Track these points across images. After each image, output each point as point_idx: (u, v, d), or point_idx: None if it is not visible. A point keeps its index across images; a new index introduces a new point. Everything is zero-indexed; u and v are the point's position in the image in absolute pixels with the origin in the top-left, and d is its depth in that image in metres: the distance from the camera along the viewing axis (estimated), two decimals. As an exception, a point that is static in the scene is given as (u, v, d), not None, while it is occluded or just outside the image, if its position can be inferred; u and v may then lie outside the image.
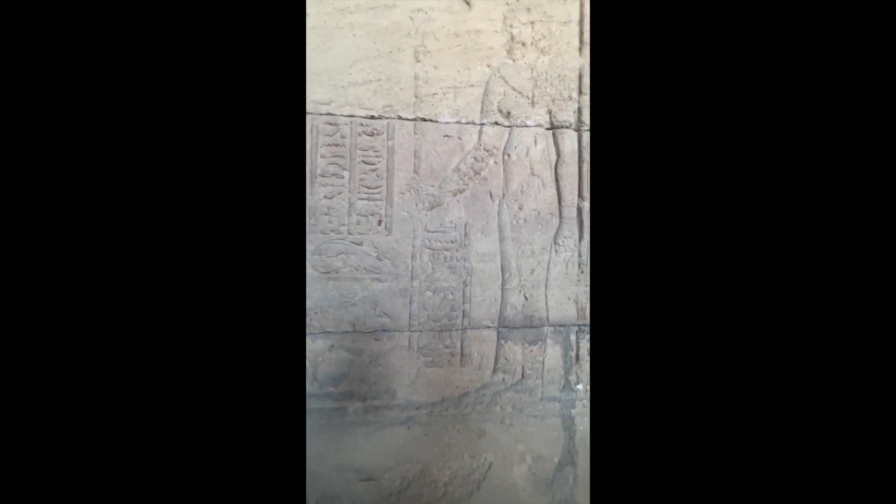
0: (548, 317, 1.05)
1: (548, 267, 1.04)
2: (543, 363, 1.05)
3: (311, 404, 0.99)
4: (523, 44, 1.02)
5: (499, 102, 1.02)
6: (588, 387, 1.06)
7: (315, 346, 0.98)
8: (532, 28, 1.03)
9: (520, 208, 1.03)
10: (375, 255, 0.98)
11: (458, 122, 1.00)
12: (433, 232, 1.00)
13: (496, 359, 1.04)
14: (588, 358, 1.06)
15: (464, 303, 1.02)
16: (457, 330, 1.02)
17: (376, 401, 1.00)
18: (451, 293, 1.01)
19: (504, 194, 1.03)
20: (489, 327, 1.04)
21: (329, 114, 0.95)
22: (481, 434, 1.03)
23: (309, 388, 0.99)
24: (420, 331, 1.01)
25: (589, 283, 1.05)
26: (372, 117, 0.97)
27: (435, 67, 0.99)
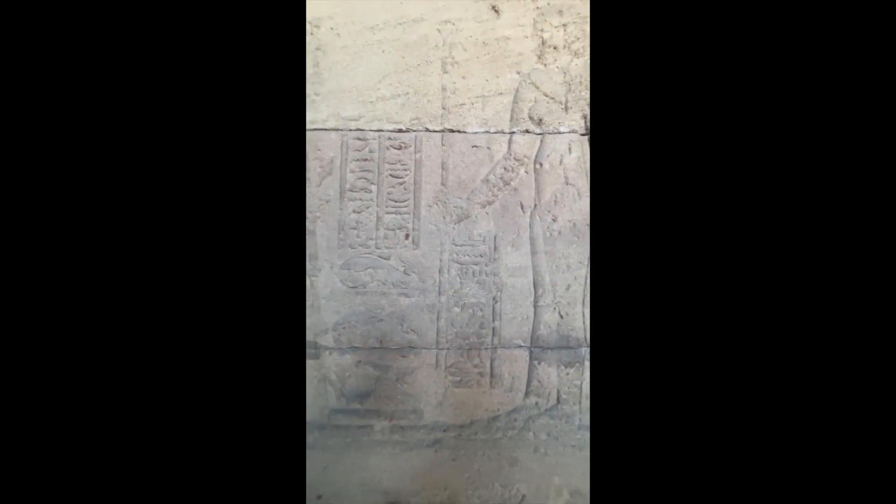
0: (586, 337, 0.86)
1: (585, 282, 0.86)
2: (581, 388, 0.86)
3: (338, 420, 0.87)
4: (555, 47, 0.87)
5: (529, 109, 0.87)
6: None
7: (343, 361, 0.87)
8: (564, 31, 0.87)
9: (553, 220, 0.87)
10: (402, 269, 0.85)
11: (487, 132, 0.86)
12: (461, 245, 0.86)
13: (529, 381, 0.87)
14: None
15: (493, 320, 0.86)
16: (486, 349, 0.86)
17: (403, 420, 0.86)
18: (480, 309, 0.86)
19: (536, 205, 0.87)
20: (521, 346, 0.87)
21: (358, 129, 0.86)
22: (513, 462, 0.85)
23: (336, 404, 0.87)
24: (448, 348, 0.86)
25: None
26: (399, 130, 0.86)
27: (463, 77, 0.86)
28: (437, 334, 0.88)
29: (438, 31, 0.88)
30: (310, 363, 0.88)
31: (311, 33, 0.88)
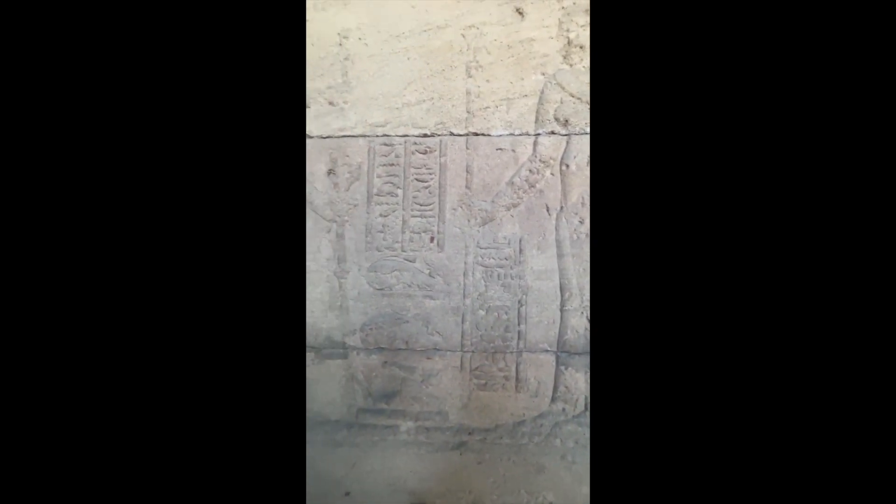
0: (616, 343, 0.82)
1: (615, 286, 0.81)
2: (612, 395, 0.81)
3: (365, 419, 0.87)
4: (581, 47, 0.83)
5: (555, 111, 0.84)
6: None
7: (370, 362, 0.87)
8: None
9: (580, 222, 0.83)
10: (428, 272, 0.85)
11: (512, 135, 0.84)
12: (486, 248, 0.84)
13: (555, 386, 0.83)
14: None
15: (519, 323, 0.84)
16: (511, 352, 0.84)
17: (428, 422, 0.85)
18: (506, 312, 0.83)
19: (562, 207, 0.84)
20: (547, 351, 0.84)
21: (384, 135, 0.86)
22: (540, 469, 0.82)
23: (363, 403, 0.88)
24: (472, 351, 0.85)
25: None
26: (425, 135, 0.85)
27: (487, 81, 0.85)
28: (462, 337, 0.86)
29: (462, 36, 0.87)
30: (338, 363, 0.89)
31: (340, 44, 0.89)
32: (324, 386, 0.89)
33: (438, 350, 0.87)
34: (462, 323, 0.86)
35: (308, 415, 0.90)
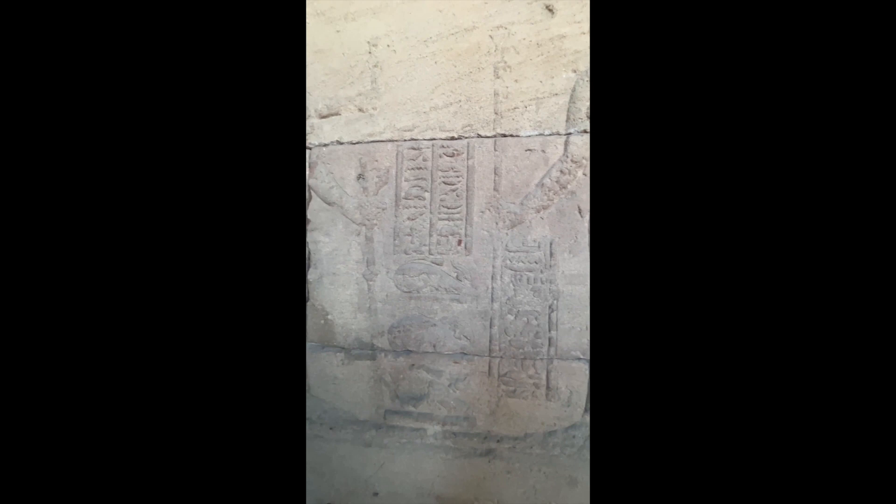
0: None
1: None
2: (652, 408, 0.74)
3: (393, 421, 0.86)
4: (617, 40, 0.78)
5: (587, 108, 0.78)
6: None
7: (397, 364, 0.86)
8: (627, 21, 0.78)
9: (616, 223, 0.77)
10: (455, 275, 0.82)
11: (541, 135, 0.80)
12: (515, 252, 0.80)
13: (589, 396, 0.77)
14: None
15: (550, 329, 0.79)
16: (542, 359, 0.79)
17: (455, 427, 0.83)
18: (536, 318, 0.79)
19: (596, 208, 0.78)
20: (580, 359, 0.78)
21: (412, 139, 0.85)
22: (573, 483, 0.77)
23: (391, 405, 0.87)
24: (501, 357, 0.81)
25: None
26: (452, 138, 0.83)
27: (515, 81, 0.81)
28: (490, 342, 0.83)
29: (490, 37, 0.84)
30: (366, 363, 0.89)
31: (370, 52, 0.89)
32: (353, 386, 0.89)
33: (466, 354, 0.84)
34: (490, 327, 0.83)
35: (337, 413, 0.90)
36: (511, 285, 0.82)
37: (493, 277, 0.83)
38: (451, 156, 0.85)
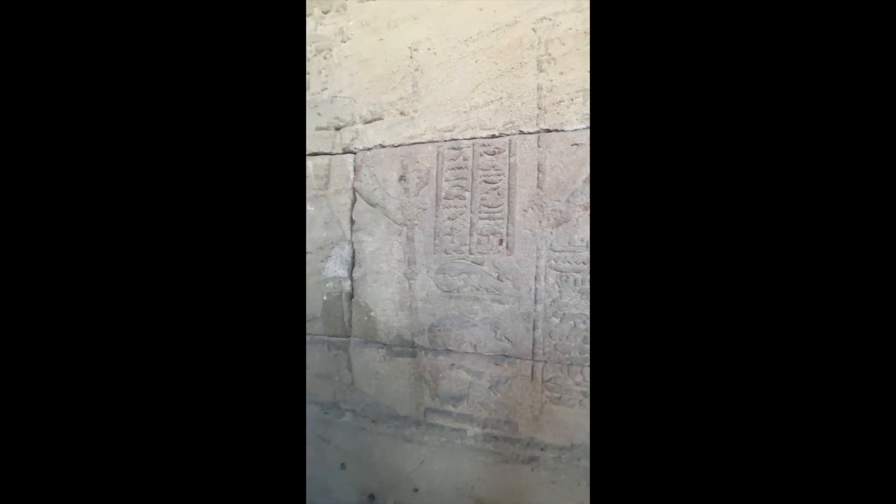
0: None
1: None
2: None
3: (433, 419, 0.84)
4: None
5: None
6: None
7: (437, 363, 0.84)
8: None
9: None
10: (496, 275, 0.78)
11: (588, 128, 0.74)
12: (560, 251, 0.74)
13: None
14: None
15: (599, 334, 0.72)
16: (590, 365, 0.72)
17: (496, 430, 0.79)
18: (583, 322, 0.73)
19: (653, 204, 0.70)
20: (634, 368, 0.70)
21: (453, 139, 0.83)
22: (625, 502, 0.68)
23: (430, 403, 0.85)
24: (545, 361, 0.75)
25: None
26: (493, 136, 0.80)
27: (560, 73, 0.76)
28: (534, 345, 0.78)
29: (533, 30, 0.79)
30: (407, 360, 0.88)
31: (411, 57, 0.89)
32: (394, 382, 0.89)
33: (508, 357, 0.80)
34: (533, 330, 0.78)
35: (379, 407, 0.91)
36: (556, 287, 0.76)
37: (536, 278, 0.78)
38: (492, 154, 0.82)
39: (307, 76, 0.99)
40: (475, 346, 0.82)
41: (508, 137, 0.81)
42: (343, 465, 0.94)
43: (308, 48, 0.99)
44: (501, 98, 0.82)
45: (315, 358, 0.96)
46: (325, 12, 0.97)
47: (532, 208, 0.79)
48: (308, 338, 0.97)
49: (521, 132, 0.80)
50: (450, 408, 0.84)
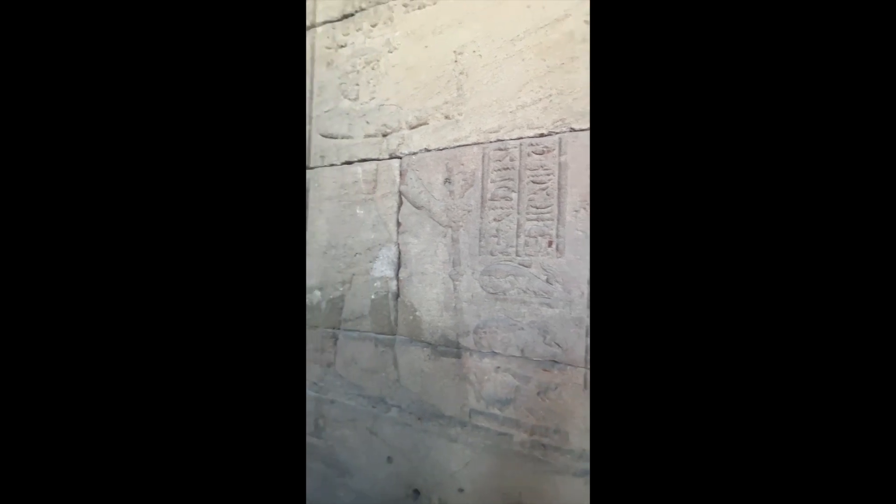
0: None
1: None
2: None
3: (478, 421, 0.83)
4: None
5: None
6: None
7: (482, 365, 0.82)
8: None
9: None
10: (545, 278, 0.75)
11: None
12: (615, 253, 0.69)
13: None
14: None
15: (661, 343, 0.65)
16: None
17: (545, 438, 0.75)
18: (642, 329, 0.66)
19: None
20: (704, 382, 0.62)
21: (498, 140, 0.81)
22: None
23: (475, 405, 0.83)
24: (598, 369, 0.70)
25: None
26: (541, 135, 0.77)
27: (615, 65, 0.70)
28: (586, 352, 0.73)
29: (585, 22, 0.74)
30: (451, 360, 0.87)
31: (455, 61, 0.88)
32: (438, 381, 0.89)
33: (557, 363, 0.76)
34: (586, 336, 0.73)
35: (423, 406, 0.91)
36: (611, 291, 0.71)
37: (588, 282, 0.73)
38: (541, 153, 0.78)
39: (356, 87, 1.02)
40: (522, 350, 0.79)
41: (558, 136, 0.77)
42: (389, 459, 0.95)
43: (357, 60, 1.02)
44: (551, 95, 0.78)
45: (364, 354, 0.99)
46: (374, 25, 1.00)
47: (584, 209, 0.74)
48: (356, 334, 1.00)
49: (573, 129, 0.75)
50: (495, 411, 0.82)
